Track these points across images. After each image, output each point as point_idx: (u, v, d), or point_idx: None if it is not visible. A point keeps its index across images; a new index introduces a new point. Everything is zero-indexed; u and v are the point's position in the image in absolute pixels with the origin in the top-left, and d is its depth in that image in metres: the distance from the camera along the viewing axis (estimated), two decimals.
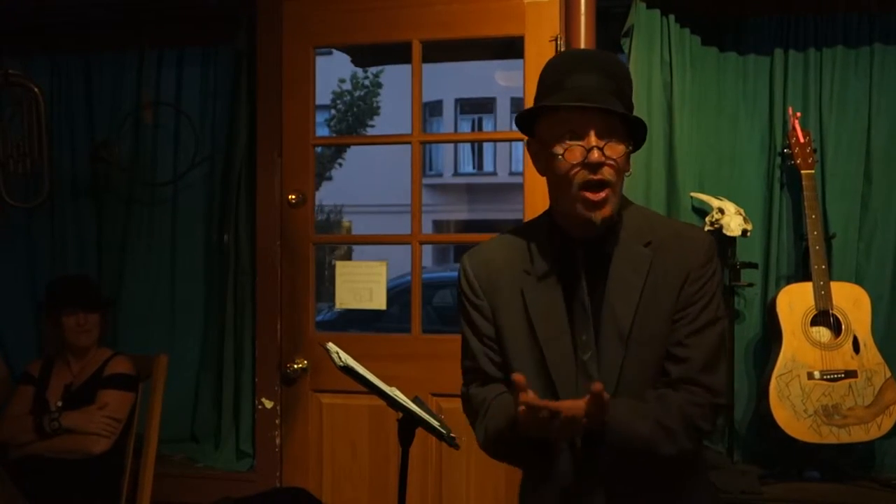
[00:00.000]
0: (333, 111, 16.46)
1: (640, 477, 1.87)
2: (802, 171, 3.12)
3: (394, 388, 2.29)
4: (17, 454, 3.13)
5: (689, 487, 1.95)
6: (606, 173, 1.80)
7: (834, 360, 3.04)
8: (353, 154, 16.23)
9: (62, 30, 3.74)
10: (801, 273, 3.20)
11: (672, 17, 3.23)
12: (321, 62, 3.37)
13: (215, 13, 3.53)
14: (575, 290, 1.88)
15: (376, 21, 3.24)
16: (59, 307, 3.23)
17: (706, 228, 3.20)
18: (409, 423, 2.27)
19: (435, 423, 2.30)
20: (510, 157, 18.37)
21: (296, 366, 3.28)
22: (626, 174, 1.85)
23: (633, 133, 1.85)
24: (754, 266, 3.21)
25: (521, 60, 3.15)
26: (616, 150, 1.80)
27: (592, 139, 1.79)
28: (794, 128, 3.15)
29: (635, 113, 1.85)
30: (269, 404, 3.33)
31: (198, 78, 3.72)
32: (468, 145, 19.48)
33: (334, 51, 3.91)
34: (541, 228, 1.95)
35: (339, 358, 2.20)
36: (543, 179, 2.98)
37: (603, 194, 1.80)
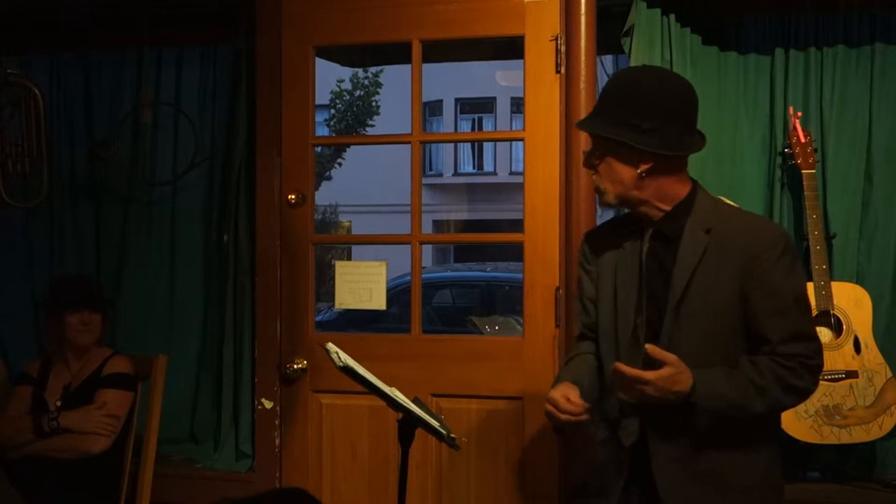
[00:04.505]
0: (333, 111, 16.46)
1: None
2: (803, 171, 3.11)
3: (394, 389, 2.29)
4: (15, 455, 3.12)
5: (749, 443, 2.21)
6: (594, 177, 2.26)
7: (835, 360, 3.03)
8: (353, 154, 16.23)
9: (61, 29, 3.74)
10: None
11: (672, 17, 3.22)
12: (320, 62, 3.37)
13: (215, 13, 3.53)
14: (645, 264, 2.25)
15: (376, 21, 3.24)
16: (64, 305, 3.22)
17: None
18: (409, 424, 2.27)
19: (435, 424, 2.30)
20: (510, 157, 18.39)
21: (295, 366, 3.28)
22: (641, 173, 2.18)
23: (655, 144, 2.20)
24: None
25: (521, 60, 3.14)
26: (594, 160, 2.24)
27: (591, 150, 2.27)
28: (794, 127, 3.15)
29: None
30: (268, 405, 3.32)
31: (197, 78, 3.71)
32: (468, 145, 19.49)
33: (328, 59, 3.90)
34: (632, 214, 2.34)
35: (339, 358, 2.20)
36: (543, 179, 3.10)
37: (597, 188, 2.27)
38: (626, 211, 2.36)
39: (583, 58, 3.01)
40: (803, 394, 2.19)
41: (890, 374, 3.03)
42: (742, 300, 2.15)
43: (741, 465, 2.19)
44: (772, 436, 2.27)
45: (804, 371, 2.13)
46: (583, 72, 3.01)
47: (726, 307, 2.15)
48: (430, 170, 18.70)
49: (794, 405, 2.28)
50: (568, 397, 2.19)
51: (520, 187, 3.16)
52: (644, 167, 2.18)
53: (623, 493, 2.26)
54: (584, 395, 2.23)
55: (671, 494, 2.17)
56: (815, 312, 3.06)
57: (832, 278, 3.10)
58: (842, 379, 3.02)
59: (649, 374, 2.06)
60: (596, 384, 2.33)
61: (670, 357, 2.07)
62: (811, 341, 2.16)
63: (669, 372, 2.06)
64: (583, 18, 3.01)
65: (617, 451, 2.26)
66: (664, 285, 2.19)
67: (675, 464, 2.17)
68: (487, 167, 19.24)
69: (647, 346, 2.10)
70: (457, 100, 18.58)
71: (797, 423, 2.99)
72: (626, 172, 2.19)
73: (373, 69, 15.78)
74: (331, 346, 2.23)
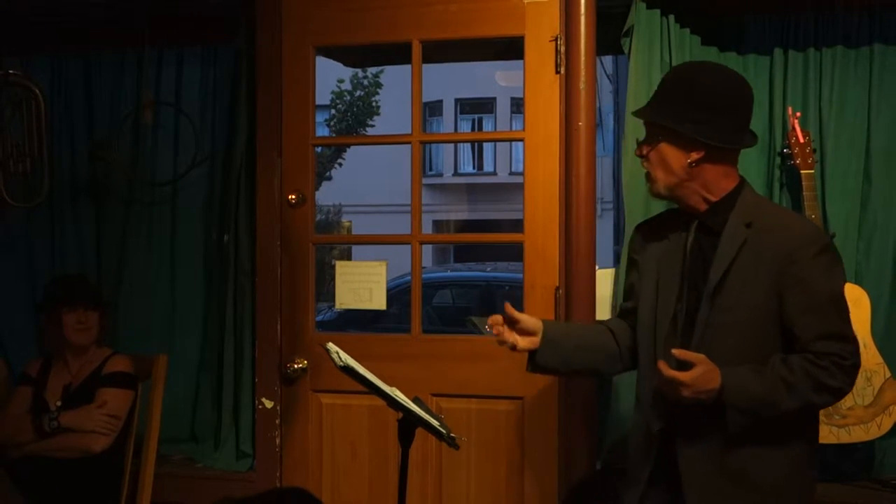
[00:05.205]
0: (333, 111, 16.45)
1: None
2: (802, 172, 3.12)
3: (394, 388, 2.30)
4: (16, 454, 3.13)
5: (782, 439, 2.21)
6: (645, 164, 2.33)
7: None
8: (353, 154, 16.23)
9: (62, 30, 3.74)
10: None
11: (672, 17, 3.22)
12: (320, 62, 3.37)
13: (215, 13, 3.53)
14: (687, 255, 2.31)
15: (376, 21, 3.24)
16: (60, 304, 3.23)
17: None
18: (409, 423, 2.27)
19: (435, 423, 2.31)
20: (510, 157, 18.39)
21: (296, 366, 3.28)
22: (691, 162, 2.25)
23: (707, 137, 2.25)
24: None
25: (521, 61, 3.14)
26: (645, 148, 2.31)
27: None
28: (793, 128, 3.15)
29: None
30: (268, 404, 3.32)
31: (198, 78, 3.71)
32: (468, 145, 19.49)
33: (328, 56, 3.90)
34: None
35: (340, 358, 2.20)
36: (543, 179, 3.10)
37: (648, 176, 2.34)
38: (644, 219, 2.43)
39: (582, 58, 3.02)
40: (836, 393, 2.18)
41: (888, 374, 3.04)
42: (777, 297, 2.18)
43: (769, 462, 2.19)
44: (804, 435, 2.27)
45: (837, 370, 2.14)
46: (582, 72, 3.02)
47: (761, 302, 2.19)
48: (430, 170, 18.70)
49: (827, 404, 2.28)
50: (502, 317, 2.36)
51: (520, 187, 3.17)
52: (695, 156, 2.25)
53: (650, 486, 2.30)
54: (549, 339, 2.38)
55: (695, 488, 2.20)
56: None
57: None
58: None
59: (684, 376, 2.09)
60: (580, 346, 2.45)
61: (698, 357, 2.11)
62: (846, 342, 2.17)
63: (700, 371, 2.10)
64: (582, 19, 3.01)
65: (647, 435, 2.31)
66: (705, 276, 2.24)
67: (702, 458, 2.20)
68: (487, 167, 19.25)
69: (674, 350, 2.14)
70: (457, 100, 18.58)
71: None
72: (677, 160, 2.26)
73: (373, 69, 15.77)
74: (331, 345, 2.23)
